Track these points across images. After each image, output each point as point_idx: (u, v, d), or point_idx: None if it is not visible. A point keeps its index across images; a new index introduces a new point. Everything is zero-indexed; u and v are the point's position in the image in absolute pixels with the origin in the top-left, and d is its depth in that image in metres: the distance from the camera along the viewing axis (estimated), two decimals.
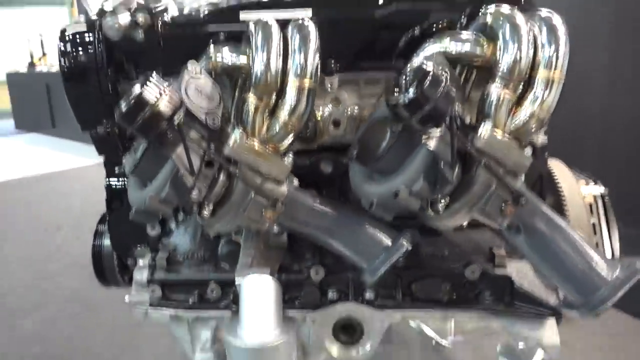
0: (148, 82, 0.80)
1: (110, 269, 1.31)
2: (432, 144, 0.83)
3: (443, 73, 0.79)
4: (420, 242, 1.10)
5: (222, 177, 0.92)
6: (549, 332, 1.11)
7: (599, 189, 1.15)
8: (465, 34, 0.91)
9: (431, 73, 0.78)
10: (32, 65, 8.33)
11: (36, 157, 6.86)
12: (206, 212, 0.93)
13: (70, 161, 6.29)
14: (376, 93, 1.07)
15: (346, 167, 1.06)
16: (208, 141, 0.88)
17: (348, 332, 1.17)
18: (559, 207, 1.12)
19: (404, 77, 0.82)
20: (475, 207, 0.90)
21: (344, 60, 1.03)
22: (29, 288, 3.14)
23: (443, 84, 0.78)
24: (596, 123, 2.38)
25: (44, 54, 8.32)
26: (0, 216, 4.54)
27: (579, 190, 1.13)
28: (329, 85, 1.05)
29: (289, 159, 0.93)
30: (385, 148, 0.88)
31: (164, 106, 0.80)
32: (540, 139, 1.10)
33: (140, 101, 0.79)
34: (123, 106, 0.81)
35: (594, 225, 1.12)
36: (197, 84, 0.87)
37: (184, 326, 1.22)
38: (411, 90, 0.78)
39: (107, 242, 1.30)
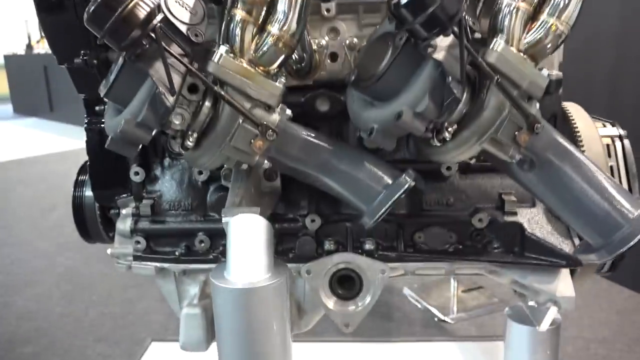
0: None
1: (93, 222, 1.22)
2: (439, 55, 0.75)
3: None
4: (423, 188, 1.02)
5: (207, 103, 0.84)
6: (563, 283, 1.03)
7: (618, 131, 1.06)
8: None
9: None
10: (29, 47, 8.27)
11: (34, 140, 6.82)
12: (190, 142, 0.84)
13: (67, 144, 6.24)
14: (377, 23, 0.98)
15: (344, 105, 0.98)
16: (191, 58, 0.79)
17: (346, 286, 1.09)
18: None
19: None
20: (485, 135, 0.81)
21: None
22: (21, 266, 3.10)
23: None
24: (607, 71, 2.30)
25: (42, 36, 8.24)
26: None
27: (596, 131, 1.04)
28: (326, 12, 0.97)
29: (280, 82, 0.85)
30: (386, 65, 0.79)
31: (138, 8, 0.71)
32: (555, 73, 1.01)
33: (110, 0, 0.71)
34: (90, 7, 0.72)
35: (611, 168, 1.04)
36: None
37: (171, 280, 1.14)
38: None
39: (88, 193, 1.21)
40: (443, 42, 0.76)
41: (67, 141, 6.42)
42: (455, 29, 0.73)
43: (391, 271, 1.07)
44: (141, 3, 0.72)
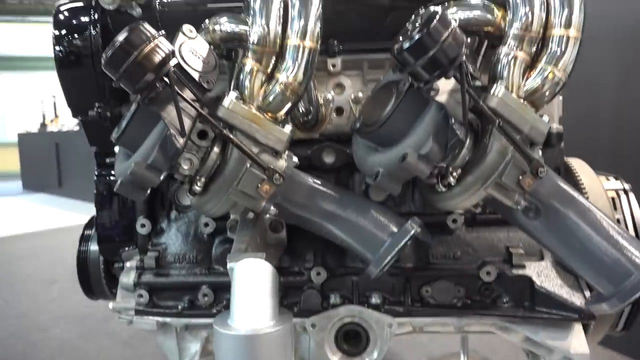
0: (137, 28, 0.76)
1: (96, 277, 1.21)
2: (442, 98, 0.77)
3: (452, 19, 0.74)
4: (429, 241, 1.01)
5: (215, 149, 0.86)
6: (577, 340, 1.00)
7: (622, 184, 1.07)
8: (474, 1, 0.87)
9: (439, 14, 0.73)
10: (43, 125, 8.51)
11: (40, 215, 6.84)
12: (198, 187, 0.86)
13: (72, 218, 6.25)
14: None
15: (350, 158, 1.00)
16: (202, 103, 0.82)
17: (352, 342, 1.06)
18: None
19: (410, 24, 0.77)
20: (490, 179, 0.82)
21: (347, 41, 0.99)
22: (17, 338, 3.02)
23: (452, 26, 0.73)
24: (609, 125, 2.31)
25: (56, 116, 8.51)
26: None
27: (601, 185, 1.05)
28: (332, 67, 1.01)
29: (288, 128, 0.87)
30: (390, 110, 0.82)
31: (153, 53, 0.75)
32: (555, 126, 1.04)
33: (127, 45, 0.74)
34: (108, 52, 0.76)
35: (618, 221, 1.03)
36: (192, 45, 0.82)
37: (172, 337, 1.11)
38: (417, 32, 0.73)
39: (93, 247, 1.21)
40: (445, 86, 0.79)
41: (72, 216, 6.45)
42: (457, 74, 0.76)
43: (398, 327, 1.05)
44: (156, 49, 0.76)
